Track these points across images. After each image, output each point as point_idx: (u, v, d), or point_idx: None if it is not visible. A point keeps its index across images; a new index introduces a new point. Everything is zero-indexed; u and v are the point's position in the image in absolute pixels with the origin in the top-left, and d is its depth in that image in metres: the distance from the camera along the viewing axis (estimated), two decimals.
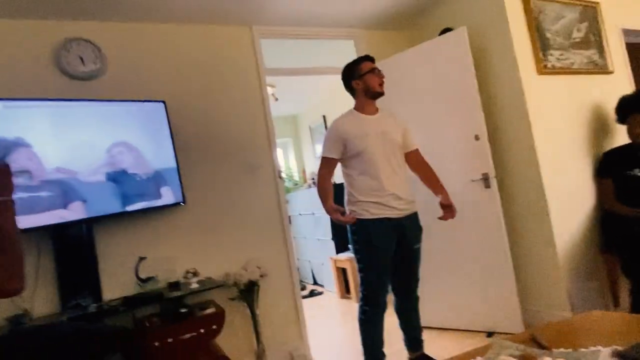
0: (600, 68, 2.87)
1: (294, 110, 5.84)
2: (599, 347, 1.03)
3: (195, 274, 2.33)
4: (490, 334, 2.61)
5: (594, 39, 2.88)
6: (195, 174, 2.62)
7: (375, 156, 1.97)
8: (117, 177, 2.23)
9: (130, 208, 2.26)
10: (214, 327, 2.17)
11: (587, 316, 1.31)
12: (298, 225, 5.20)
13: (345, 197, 2.08)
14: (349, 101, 2.18)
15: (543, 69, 2.60)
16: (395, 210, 1.98)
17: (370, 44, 3.29)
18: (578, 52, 2.79)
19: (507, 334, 2.53)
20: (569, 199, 2.56)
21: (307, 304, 4.08)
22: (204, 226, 2.60)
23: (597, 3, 2.92)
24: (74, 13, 2.35)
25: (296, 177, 5.94)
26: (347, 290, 4.16)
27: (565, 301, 2.44)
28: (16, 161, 1.94)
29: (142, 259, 2.36)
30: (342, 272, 4.20)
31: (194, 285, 2.28)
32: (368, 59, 2.07)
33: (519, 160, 2.61)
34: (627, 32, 3.12)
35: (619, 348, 0.99)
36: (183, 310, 2.17)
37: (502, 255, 2.56)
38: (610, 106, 2.86)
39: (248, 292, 2.49)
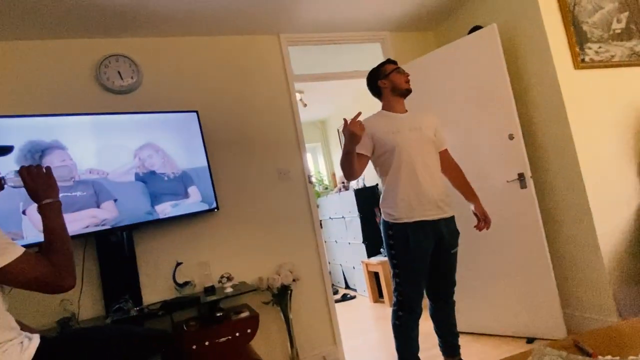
0: None
1: (323, 114, 5.87)
2: None
3: (229, 278, 2.38)
4: (530, 340, 2.51)
5: (636, 28, 2.74)
6: (228, 180, 2.69)
7: (409, 153, 1.92)
8: (146, 178, 2.33)
9: (161, 209, 2.35)
10: (249, 330, 2.21)
11: (636, 322, 1.24)
12: (329, 229, 5.22)
13: (382, 200, 2.02)
14: (377, 103, 2.17)
15: (580, 63, 2.49)
16: (433, 212, 1.92)
17: (397, 46, 3.27)
18: (619, 43, 2.65)
19: (548, 339, 2.43)
20: (613, 199, 2.44)
21: (340, 308, 4.08)
22: (237, 231, 2.66)
23: None
24: (112, 31, 2.48)
25: (326, 181, 5.96)
26: (380, 295, 4.12)
27: (612, 306, 2.31)
28: (51, 162, 2.06)
29: (179, 263, 2.44)
30: (374, 276, 4.17)
31: (229, 290, 2.33)
32: (390, 61, 2.08)
33: (557, 159, 2.51)
34: None
35: None
36: (219, 314, 2.22)
37: (541, 258, 2.47)
38: None
39: (281, 296, 2.52)
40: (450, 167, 2.11)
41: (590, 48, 2.55)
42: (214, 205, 2.50)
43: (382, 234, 2.01)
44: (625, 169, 2.53)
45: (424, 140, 1.97)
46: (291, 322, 2.56)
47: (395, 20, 3.09)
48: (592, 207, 2.35)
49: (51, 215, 1.19)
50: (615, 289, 2.33)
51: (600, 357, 1.02)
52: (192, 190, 2.45)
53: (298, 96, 4.34)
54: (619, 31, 2.67)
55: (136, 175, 2.31)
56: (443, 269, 2.01)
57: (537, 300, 2.50)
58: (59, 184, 1.25)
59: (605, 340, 1.16)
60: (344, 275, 5.03)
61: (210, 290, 2.38)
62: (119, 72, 2.51)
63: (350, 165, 1.85)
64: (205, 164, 2.51)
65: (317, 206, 5.38)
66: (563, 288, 2.54)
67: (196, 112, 2.55)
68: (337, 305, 4.23)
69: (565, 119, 2.41)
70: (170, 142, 2.44)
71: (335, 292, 4.84)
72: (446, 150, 2.12)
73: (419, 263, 1.92)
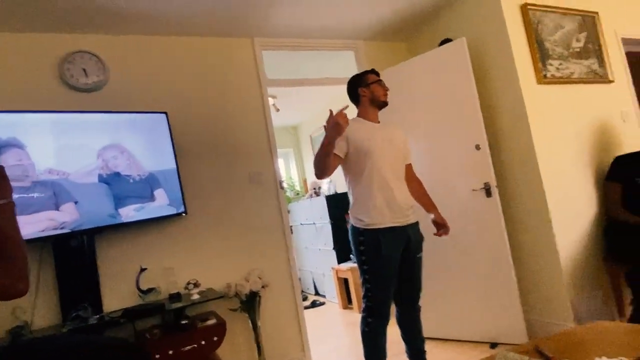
0: (600, 77, 2.88)
1: (295, 120, 5.87)
2: (604, 359, 1.02)
3: (196, 284, 2.32)
4: (493, 345, 2.58)
5: (593, 48, 2.90)
6: (198, 183, 2.63)
7: (382, 161, 1.97)
8: (110, 180, 2.24)
9: (125, 212, 2.27)
10: (215, 338, 2.16)
11: (593, 327, 1.29)
12: (299, 236, 5.19)
13: (352, 206, 2.04)
14: (350, 111, 2.19)
15: (543, 78, 2.61)
16: (403, 218, 1.97)
17: (370, 55, 3.32)
18: (578, 61, 2.81)
19: (510, 344, 2.51)
20: (571, 208, 2.56)
21: (309, 315, 4.06)
22: (205, 236, 2.60)
23: (596, 13, 2.94)
24: (78, 26, 2.38)
25: (297, 187, 5.95)
26: (349, 301, 4.13)
27: (569, 311, 2.41)
28: (5, 161, 1.95)
29: (143, 269, 2.36)
30: (344, 282, 4.18)
31: (195, 297, 2.27)
32: (374, 72, 2.13)
33: (521, 169, 2.61)
34: (626, 41, 3.14)
35: (625, 359, 0.98)
36: (184, 321, 2.16)
37: (504, 264, 2.55)
38: (611, 115, 2.88)
39: (249, 303, 2.47)
40: (412, 180, 2.18)
41: (551, 64, 2.68)
42: (182, 209, 2.44)
43: (352, 240, 2.02)
44: (583, 180, 2.66)
45: (394, 151, 2.03)
46: (259, 329, 2.52)
47: (368, 30, 3.14)
48: (553, 216, 2.46)
49: (3, 217, 1.12)
50: (572, 294, 2.44)
51: None
52: (159, 193, 2.38)
53: (271, 101, 4.31)
54: (578, 50, 2.82)
55: (99, 177, 2.22)
56: (410, 274, 2.05)
57: (501, 306, 2.57)
58: (13, 184, 1.18)
59: (564, 344, 1.21)
60: (313, 281, 5.02)
61: (175, 297, 2.31)
62: (84, 70, 2.41)
63: (326, 158, 1.84)
64: (174, 166, 2.45)
65: (288, 212, 5.36)
66: (525, 294, 2.63)
67: (165, 113, 2.48)
68: (306, 311, 4.21)
69: (529, 131, 2.52)
70: (137, 143, 2.37)
71: (305, 299, 4.81)
72: (410, 164, 2.19)
73: (390, 269, 1.95)
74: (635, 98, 3.06)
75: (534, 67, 2.61)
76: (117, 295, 2.32)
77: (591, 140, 2.76)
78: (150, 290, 2.32)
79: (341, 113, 1.75)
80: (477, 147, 2.61)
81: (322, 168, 1.87)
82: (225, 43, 2.85)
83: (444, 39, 2.90)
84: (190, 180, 2.61)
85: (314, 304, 4.48)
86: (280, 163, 6.07)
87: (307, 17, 2.75)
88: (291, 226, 5.35)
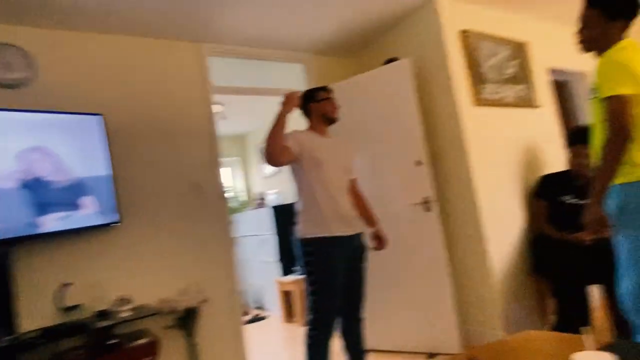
0: (529, 103, 3.13)
1: (243, 129, 5.77)
2: None
3: (127, 301, 2.16)
4: (431, 355, 2.65)
5: (523, 75, 3.15)
6: (134, 191, 2.47)
7: (329, 174, 2.00)
8: (31, 185, 2.04)
9: (47, 221, 2.07)
10: (147, 359, 2.01)
11: (522, 336, 1.36)
12: (243, 247, 5.06)
13: (300, 215, 2.03)
14: (298, 124, 2.19)
15: (478, 100, 2.78)
16: (349, 229, 2.00)
17: (319, 69, 3.36)
18: (509, 86, 3.03)
19: (447, 354, 2.59)
20: (502, 223, 2.72)
21: (250, 330, 3.95)
22: (140, 248, 2.44)
23: (527, 43, 3.21)
24: (3, 17, 2.17)
25: (243, 197, 5.82)
26: (292, 315, 4.07)
27: (500, 321, 2.55)
28: None
29: (66, 285, 2.15)
30: (287, 295, 4.12)
31: (126, 314, 2.11)
32: (325, 89, 2.17)
33: (457, 185, 2.74)
34: (552, 71, 3.45)
35: None
36: (111, 341, 1.99)
37: (442, 276, 2.64)
38: (538, 137, 3.12)
39: (186, 319, 2.35)
40: (356, 194, 2.23)
41: (486, 88, 2.87)
42: (115, 218, 2.27)
43: (299, 251, 2.00)
44: (513, 196, 2.85)
45: (342, 166, 2.09)
46: (196, 348, 2.39)
47: (318, 44, 3.18)
48: (486, 230, 2.60)
49: None
50: (503, 305, 2.58)
51: None
52: (88, 200, 2.20)
53: (218, 108, 4.21)
54: (510, 76, 3.05)
55: (18, 182, 2.01)
56: (355, 284, 2.07)
57: (438, 317, 2.66)
58: None
59: (496, 353, 1.26)
60: (255, 295, 4.90)
61: (103, 314, 2.13)
62: (7, 63, 2.19)
63: (278, 134, 1.86)
64: (108, 172, 2.29)
65: (232, 223, 5.22)
66: (460, 305, 2.75)
67: (101, 115, 2.32)
68: (247, 326, 4.09)
69: (465, 150, 2.66)
70: (66, 147, 2.18)
71: (246, 313, 4.67)
72: (355, 179, 2.24)
73: (337, 279, 1.95)
74: (558, 123, 3.35)
75: (471, 90, 2.78)
76: (36, 314, 2.09)
77: (520, 159, 2.97)
78: (74, 307, 2.12)
79: (294, 92, 1.94)
80: (418, 163, 2.71)
81: (274, 145, 1.85)
82: (171, 46, 2.74)
83: (390, 58, 3.00)
84: (127, 187, 2.44)
85: (255, 318, 4.37)
86: (226, 172, 5.92)
87: (256, 25, 2.72)
88: (235, 237, 5.23)
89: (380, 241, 2.18)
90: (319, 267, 1.93)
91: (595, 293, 2.99)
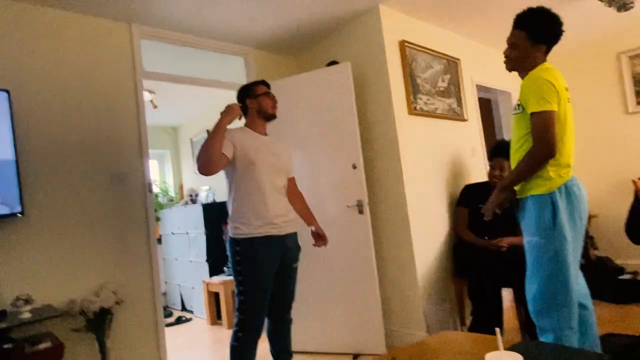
0: (458, 116, 3.32)
1: (176, 121, 5.48)
2: None
3: (28, 300, 1.92)
4: (356, 357, 2.69)
5: (454, 90, 3.34)
6: (44, 179, 2.22)
7: (264, 173, 1.96)
8: None
9: None
10: None
11: (441, 336, 1.42)
12: (169, 245, 4.81)
13: (230, 214, 1.97)
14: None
15: (413, 110, 2.89)
16: (280, 228, 1.96)
17: (260, 64, 3.29)
18: (441, 99, 3.19)
19: (372, 354, 2.65)
20: (429, 228, 2.85)
21: (173, 333, 3.75)
22: (47, 243, 2.19)
23: (458, 59, 3.41)
24: None
25: (172, 192, 5.52)
26: (219, 316, 3.93)
27: (422, 322, 2.66)
28: None
29: None
30: (214, 297, 3.97)
31: (26, 315, 1.87)
32: (264, 84, 2.11)
33: (389, 189, 2.82)
34: (479, 87, 3.70)
35: None
36: (8, 345, 1.76)
37: (370, 278, 2.70)
38: (464, 149, 3.33)
39: (98, 321, 2.14)
40: (294, 194, 2.21)
41: (421, 99, 3.00)
42: (18, 209, 2.02)
43: (229, 251, 1.95)
44: (439, 203, 2.99)
45: (278, 165, 2.04)
46: (108, 352, 2.19)
47: (258, 38, 3.11)
48: (413, 234, 2.70)
49: None
50: (425, 306, 2.70)
51: None
52: None
53: (148, 96, 3.96)
54: (442, 89, 3.22)
55: None
56: (285, 284, 2.04)
57: (364, 318, 2.71)
58: None
59: (417, 354, 1.29)
60: (181, 296, 4.66)
61: (0, 315, 1.88)
62: None
63: (216, 143, 1.80)
64: (11, 157, 2.02)
65: (158, 219, 4.93)
66: (386, 306, 2.82)
67: (6, 91, 2.05)
68: (170, 329, 3.88)
69: (398, 156, 2.75)
70: None
71: (169, 315, 4.43)
72: (293, 178, 2.22)
73: (266, 279, 1.91)
74: (482, 136, 3.60)
75: (407, 99, 2.88)
76: None
77: (447, 169, 3.14)
78: None
79: (236, 104, 1.91)
80: (354, 167, 2.75)
81: (210, 154, 1.79)
82: (98, 24, 2.51)
83: (332, 61, 3.02)
84: (35, 175, 2.19)
85: (179, 320, 4.15)
86: (154, 165, 5.60)
87: (193, 11, 2.58)
88: (160, 235, 4.94)
89: (321, 238, 2.17)
90: (248, 267, 1.88)
91: (507, 296, 3.25)
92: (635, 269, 3.54)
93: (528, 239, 1.68)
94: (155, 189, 5.25)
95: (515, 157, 1.74)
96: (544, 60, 1.72)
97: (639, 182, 3.10)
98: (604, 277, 3.32)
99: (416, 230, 2.73)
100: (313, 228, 2.17)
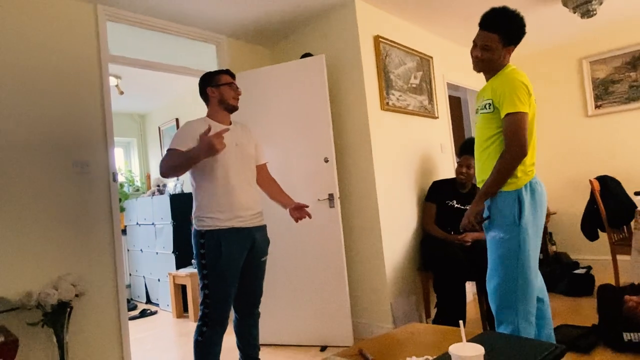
0: (429, 113, 3.38)
1: (144, 108, 5.30)
2: (414, 358, 1.14)
3: None
4: (323, 348, 2.71)
5: (426, 87, 3.39)
6: None
7: (228, 165, 1.92)
8: None
9: None
10: None
11: (407, 329, 1.44)
12: (135, 237, 4.67)
13: (194, 207, 1.93)
14: (205, 107, 2.06)
15: (385, 105, 2.92)
16: (247, 220, 1.93)
17: (233, 53, 3.22)
18: (413, 96, 3.23)
19: (339, 347, 2.68)
20: (398, 222, 2.90)
21: (137, 326, 3.66)
22: (1, 233, 2.08)
23: (431, 57, 3.46)
24: None
25: (138, 182, 5.35)
26: (185, 309, 3.86)
27: (389, 314, 2.71)
28: None
29: None
30: (180, 290, 3.89)
31: None
32: (229, 73, 2.04)
33: (361, 183, 2.84)
34: (449, 86, 3.77)
35: (430, 358, 1.10)
36: None
37: (339, 271, 2.72)
38: (434, 145, 3.39)
39: (56, 315, 2.05)
40: (267, 181, 2.16)
41: (393, 94, 3.02)
42: None
43: (193, 243, 1.91)
44: (408, 198, 3.05)
45: (243, 155, 1.99)
46: (66, 347, 2.11)
47: (233, 27, 3.04)
48: (383, 228, 2.74)
49: None
50: (392, 299, 2.75)
51: None
52: None
53: (114, 81, 3.81)
54: (414, 86, 3.26)
55: None
56: (253, 278, 2.02)
57: (333, 311, 2.73)
58: None
59: (383, 346, 1.31)
60: (146, 288, 4.55)
61: None
62: None
63: (183, 170, 1.84)
64: None
65: (123, 209, 4.77)
66: (354, 299, 2.86)
67: None
68: (134, 322, 3.78)
69: (370, 151, 2.77)
70: None
71: (134, 308, 4.32)
72: (265, 164, 2.17)
73: (231, 272, 1.88)
74: (452, 134, 3.68)
75: (380, 94, 2.90)
76: None
77: (417, 165, 3.19)
78: None
79: (220, 135, 1.73)
80: (326, 160, 2.75)
81: (173, 173, 1.87)
82: (60, 2, 2.38)
83: (305, 53, 2.99)
84: None
85: (143, 314, 4.05)
86: (119, 153, 5.41)
87: None
88: (125, 226, 4.79)
89: (301, 209, 2.03)
90: (212, 260, 1.85)
91: (470, 289, 3.36)
92: (589, 264, 3.74)
93: (492, 235, 1.73)
94: (121, 179, 5.08)
95: (483, 156, 1.77)
96: (509, 60, 1.76)
97: (595, 182, 3.26)
98: (560, 272, 3.49)
99: (386, 225, 2.77)
100: (293, 205, 2.05)
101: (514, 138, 1.60)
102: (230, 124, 2.04)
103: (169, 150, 1.90)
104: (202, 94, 2.03)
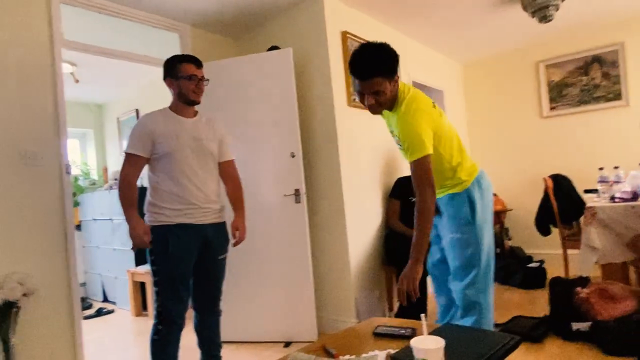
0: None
1: (101, 98, 5.05)
2: (376, 352, 1.15)
3: None
4: (288, 344, 2.70)
5: None
6: None
7: (183, 161, 1.84)
8: None
9: None
10: None
11: (369, 323, 1.46)
12: (90, 232, 4.46)
13: (145, 201, 1.88)
14: (167, 97, 1.97)
15: (352, 101, 2.93)
16: (198, 217, 1.86)
17: (196, 43, 3.13)
18: None
19: (304, 342, 2.67)
20: (363, 217, 2.93)
21: (92, 326, 3.51)
22: None
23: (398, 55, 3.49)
24: None
25: (94, 175, 5.11)
26: (144, 307, 3.74)
27: (353, 309, 2.73)
28: None
29: None
30: (139, 287, 3.76)
31: None
32: (193, 61, 1.90)
33: (327, 179, 2.84)
34: (415, 85, 3.84)
35: (392, 351, 1.12)
36: None
37: (304, 266, 2.71)
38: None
39: (2, 316, 1.92)
40: (230, 178, 2.08)
41: None
42: None
43: None
44: (373, 194, 3.08)
45: (202, 151, 1.91)
46: (13, 349, 1.98)
47: (197, 16, 2.95)
48: (348, 223, 2.76)
49: None
50: (356, 293, 2.77)
51: (341, 357, 1.14)
52: None
53: (68, 68, 3.61)
54: None
55: None
56: (209, 276, 1.97)
57: (297, 306, 2.72)
58: None
59: (346, 340, 1.31)
60: (102, 286, 4.36)
61: None
62: None
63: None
64: None
65: (77, 204, 4.53)
66: (319, 294, 2.86)
67: None
68: (89, 321, 3.62)
69: (336, 147, 2.77)
70: None
71: (89, 307, 4.13)
72: (231, 161, 2.08)
73: (181, 269, 1.82)
74: None
75: (346, 90, 2.90)
76: None
77: (382, 161, 3.23)
78: None
79: (147, 231, 1.78)
80: (292, 155, 2.73)
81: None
82: None
83: (272, 46, 2.95)
84: None
85: (99, 312, 3.88)
86: (73, 144, 5.14)
87: None
88: (80, 221, 4.56)
89: (236, 232, 2.00)
90: (160, 256, 1.80)
91: (430, 282, 3.45)
92: (542, 257, 3.94)
93: (451, 236, 1.75)
94: (75, 171, 4.82)
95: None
96: (400, 85, 1.70)
97: (549, 180, 3.43)
98: (515, 265, 3.65)
99: (351, 220, 2.79)
100: (233, 220, 2.01)
101: (423, 181, 1.59)
102: (195, 115, 1.96)
103: (127, 154, 1.82)
104: (165, 82, 1.95)
